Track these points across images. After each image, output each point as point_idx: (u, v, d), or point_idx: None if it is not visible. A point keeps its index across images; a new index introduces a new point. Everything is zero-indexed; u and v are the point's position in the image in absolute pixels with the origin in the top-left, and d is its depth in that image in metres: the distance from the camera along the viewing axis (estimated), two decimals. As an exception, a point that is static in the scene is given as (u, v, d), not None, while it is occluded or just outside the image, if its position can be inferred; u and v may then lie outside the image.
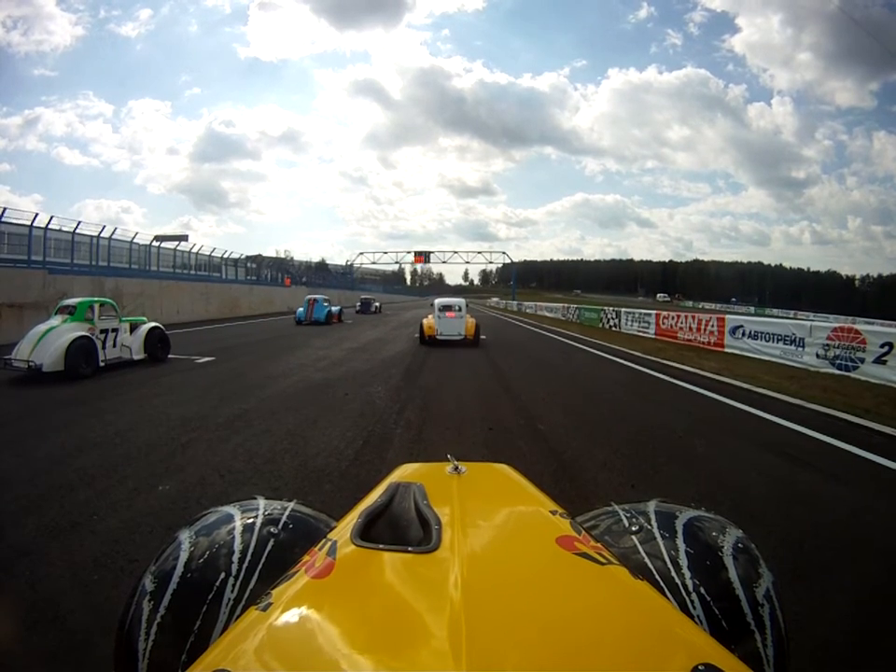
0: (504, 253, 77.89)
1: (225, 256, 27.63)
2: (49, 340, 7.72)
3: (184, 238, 24.32)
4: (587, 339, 16.23)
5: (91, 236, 19.08)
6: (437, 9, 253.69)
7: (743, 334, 12.44)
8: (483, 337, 15.11)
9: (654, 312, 17.53)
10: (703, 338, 13.98)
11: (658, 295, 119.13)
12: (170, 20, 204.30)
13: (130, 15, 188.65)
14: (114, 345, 8.93)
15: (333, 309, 23.12)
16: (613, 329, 20.00)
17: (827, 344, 9.65)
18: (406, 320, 26.14)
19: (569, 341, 16.13)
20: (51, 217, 16.84)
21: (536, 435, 5.10)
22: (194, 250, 24.95)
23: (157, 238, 22.40)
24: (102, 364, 8.48)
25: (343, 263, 74.24)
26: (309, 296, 23.21)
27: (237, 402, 6.39)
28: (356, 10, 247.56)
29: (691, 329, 14.73)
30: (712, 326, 13.66)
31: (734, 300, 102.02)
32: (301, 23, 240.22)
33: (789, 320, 13.34)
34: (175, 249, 23.61)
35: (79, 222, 18.16)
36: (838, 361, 9.26)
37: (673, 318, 15.94)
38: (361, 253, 75.07)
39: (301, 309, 22.23)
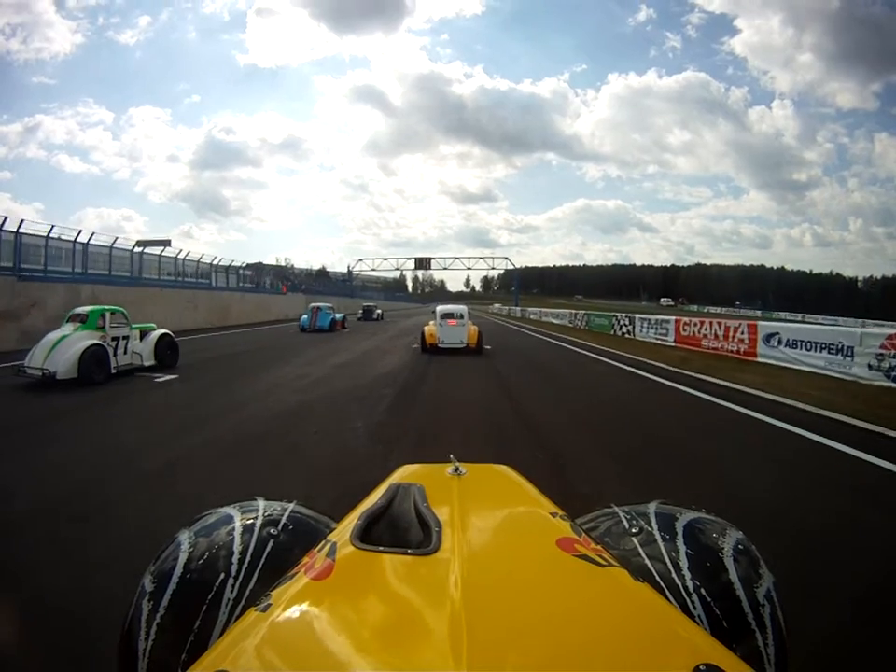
0: (507, 258, 75.87)
1: (215, 262, 26.34)
2: (62, 348, 7.85)
3: (167, 243, 22.85)
4: (600, 348, 14.85)
5: (68, 241, 17.78)
6: (436, 14, 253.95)
7: (779, 342, 11.15)
8: (487, 347, 14.06)
9: (673, 318, 16.17)
10: (731, 346, 12.67)
11: (661, 299, 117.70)
12: (168, 27, 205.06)
13: (129, 22, 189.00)
14: (125, 352, 9.09)
15: (337, 316, 23.00)
16: (626, 336, 18.64)
17: (881, 354, 8.40)
18: (405, 328, 24.79)
19: (582, 350, 14.74)
20: (22, 221, 15.61)
21: (562, 478, 3.88)
22: (181, 256, 23.64)
23: (139, 243, 21.13)
24: (114, 371, 8.61)
25: (344, 270, 72.42)
26: (313, 304, 23.15)
27: (174, 444, 4.94)
28: (355, 15, 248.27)
29: (717, 336, 13.40)
30: (742, 333, 12.38)
31: (738, 303, 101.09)
32: (299, 29, 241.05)
33: (834, 327, 12.01)
34: (159, 255, 22.31)
35: (52, 226, 16.90)
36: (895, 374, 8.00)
37: (696, 325, 14.58)
38: (361, 259, 73.15)
39: (304, 317, 22.19)
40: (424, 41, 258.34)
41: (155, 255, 22.09)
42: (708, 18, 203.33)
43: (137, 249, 20.93)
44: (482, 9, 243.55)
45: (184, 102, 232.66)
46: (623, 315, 19.74)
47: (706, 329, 13.97)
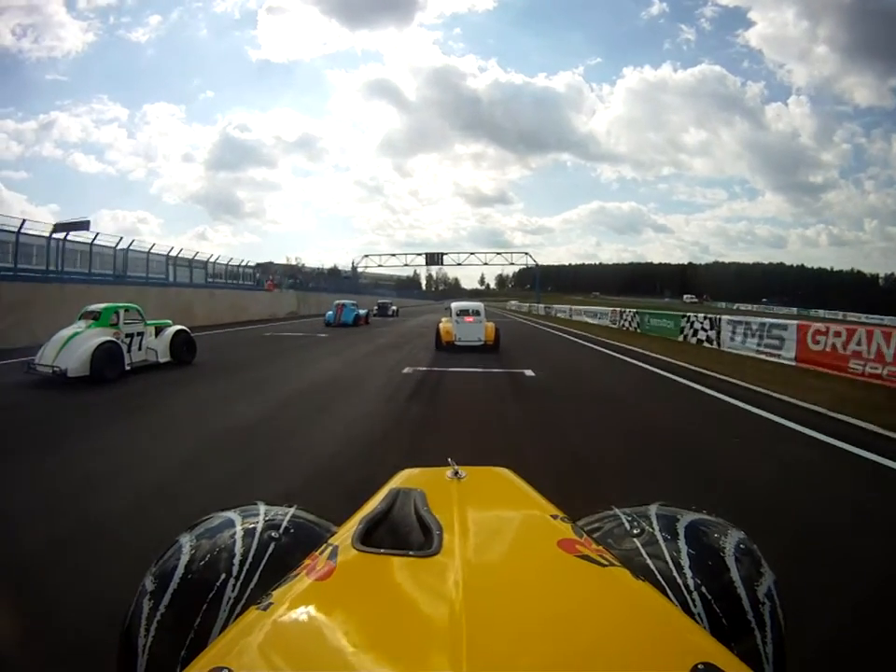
0: (527, 254, 67.78)
1: (174, 254, 21.48)
2: (73, 345, 7.68)
3: (85, 225, 17.64)
4: (689, 367, 9.73)
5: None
6: (448, 8, 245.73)
7: None
8: (529, 373, 9.18)
9: (794, 322, 10.98)
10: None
11: (685, 296, 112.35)
12: (180, 24, 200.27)
13: (140, 20, 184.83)
14: (139, 349, 8.95)
15: (360, 312, 24.22)
16: (706, 344, 13.54)
17: None
18: (406, 331, 19.95)
19: (663, 371, 9.51)
20: None
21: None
22: (122, 246, 18.64)
23: (57, 227, 16.25)
24: (128, 368, 8.51)
25: (354, 268, 66.12)
26: (337, 301, 24.30)
27: None
28: (367, 10, 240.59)
29: (880, 354, 8.32)
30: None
31: (764, 300, 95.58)
32: (311, 24, 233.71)
33: None
34: (91, 243, 17.27)
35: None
36: None
37: (837, 336, 9.42)
38: (366, 256, 66.23)
39: (329, 312, 23.66)
40: (437, 35, 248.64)
41: (84, 243, 17.08)
42: (722, 10, 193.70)
43: (58, 235, 16.11)
44: (493, 3, 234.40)
45: (198, 98, 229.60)
46: (702, 315, 14.48)
47: (858, 344, 8.88)
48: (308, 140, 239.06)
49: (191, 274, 22.73)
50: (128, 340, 8.62)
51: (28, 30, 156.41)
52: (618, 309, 21.89)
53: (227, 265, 26.98)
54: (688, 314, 15.27)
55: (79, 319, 8.34)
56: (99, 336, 7.96)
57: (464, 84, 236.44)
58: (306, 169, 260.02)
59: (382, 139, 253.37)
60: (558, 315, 34.53)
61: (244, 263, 28.95)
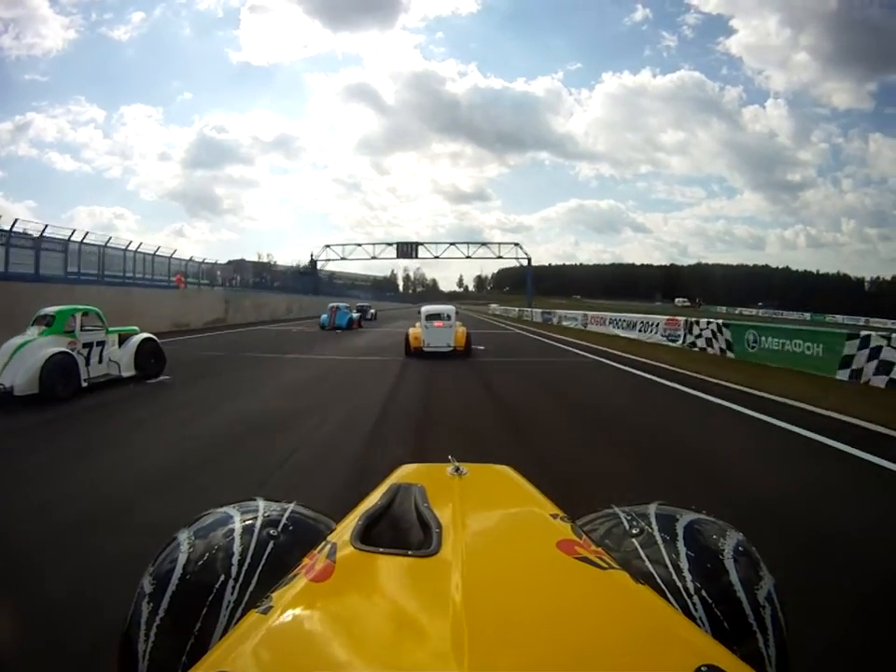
0: (517, 244, 59.67)
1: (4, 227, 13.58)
2: (21, 357, 6.54)
3: None
4: None
5: None
6: (431, 12, 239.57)
7: None
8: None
9: None
10: None
11: (676, 300, 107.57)
12: (162, 24, 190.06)
13: (122, 19, 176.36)
14: (99, 361, 7.73)
15: (353, 316, 24.13)
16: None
17: None
18: (356, 353, 13.22)
19: None
20: None
21: None
22: None
23: None
24: (84, 384, 7.27)
25: (313, 262, 57.75)
26: (332, 304, 24.23)
27: None
28: (350, 11, 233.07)
29: None
30: None
31: (760, 304, 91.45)
32: (293, 26, 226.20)
33: None
34: None
35: None
36: None
37: None
38: (328, 246, 56.31)
39: (324, 316, 23.27)
40: (419, 39, 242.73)
41: None
42: (704, 18, 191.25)
43: None
44: (477, 7, 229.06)
45: (176, 100, 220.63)
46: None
47: None
48: (286, 140, 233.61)
49: (37, 261, 14.96)
50: (86, 350, 7.41)
51: (9, 26, 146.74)
52: (681, 318, 14.67)
53: (37, 238, 15.50)
54: (860, 332, 8.54)
55: (32, 325, 7.11)
56: (51, 346, 6.83)
57: (444, 88, 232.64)
58: (284, 167, 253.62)
59: (360, 139, 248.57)
60: (563, 323, 27.29)
61: (74, 235, 16.91)
